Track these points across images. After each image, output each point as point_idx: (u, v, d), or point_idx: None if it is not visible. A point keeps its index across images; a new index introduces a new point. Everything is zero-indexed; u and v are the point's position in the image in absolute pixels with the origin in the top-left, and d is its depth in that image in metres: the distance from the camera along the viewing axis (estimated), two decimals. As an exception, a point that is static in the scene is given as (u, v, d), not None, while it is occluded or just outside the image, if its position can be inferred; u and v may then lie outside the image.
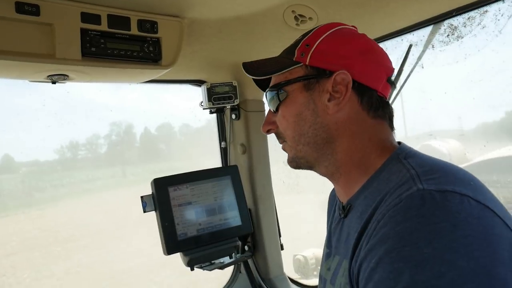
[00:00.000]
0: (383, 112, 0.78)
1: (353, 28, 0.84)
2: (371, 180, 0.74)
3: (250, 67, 0.86)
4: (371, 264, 0.59)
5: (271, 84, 0.85)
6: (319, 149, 0.78)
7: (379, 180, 0.72)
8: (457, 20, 1.17)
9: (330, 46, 0.78)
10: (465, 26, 1.17)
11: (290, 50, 0.82)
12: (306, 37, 0.80)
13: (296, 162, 0.83)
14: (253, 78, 0.88)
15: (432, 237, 0.54)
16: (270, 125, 0.85)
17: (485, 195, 0.61)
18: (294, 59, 0.79)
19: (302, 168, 0.85)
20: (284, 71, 0.80)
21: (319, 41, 0.78)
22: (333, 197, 1.02)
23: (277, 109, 0.83)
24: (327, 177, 0.84)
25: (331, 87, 0.75)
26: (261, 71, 0.83)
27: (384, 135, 0.78)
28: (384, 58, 0.81)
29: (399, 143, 0.79)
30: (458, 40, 1.22)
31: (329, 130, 0.77)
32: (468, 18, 1.15)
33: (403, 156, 0.72)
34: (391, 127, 0.81)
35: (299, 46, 0.80)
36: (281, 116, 0.82)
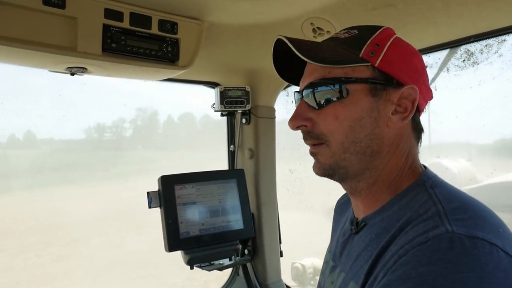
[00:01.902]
0: (421, 129, 0.77)
1: None
2: (391, 203, 0.72)
3: (295, 44, 0.71)
4: None
5: (315, 76, 0.73)
6: (365, 161, 0.72)
7: (401, 205, 0.69)
8: (474, 46, 1.17)
9: (401, 54, 0.72)
10: (481, 53, 1.18)
11: (353, 44, 0.73)
12: (375, 35, 0.72)
13: (332, 171, 0.74)
14: (274, 64, 0.79)
15: (456, 286, 0.52)
16: (305, 121, 0.74)
17: (511, 245, 0.58)
18: (360, 56, 0.71)
19: (334, 179, 0.77)
20: (348, 65, 0.70)
21: (389, 43, 0.72)
22: (340, 206, 1.00)
23: (323, 106, 0.72)
24: (353, 192, 0.78)
25: (396, 99, 0.71)
26: (318, 56, 0.70)
27: (417, 157, 0.76)
28: (426, 73, 0.78)
29: (424, 166, 0.77)
30: (473, 66, 1.22)
31: (382, 143, 0.71)
32: (486, 45, 1.15)
33: (430, 184, 0.69)
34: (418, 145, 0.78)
35: (367, 43, 0.71)
36: (331, 116, 0.71)
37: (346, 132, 0.71)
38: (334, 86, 0.70)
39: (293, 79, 0.83)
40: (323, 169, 0.75)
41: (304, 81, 0.76)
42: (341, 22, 1.20)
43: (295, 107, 0.77)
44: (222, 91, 1.67)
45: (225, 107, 1.67)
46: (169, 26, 1.22)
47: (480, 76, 1.29)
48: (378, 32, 0.73)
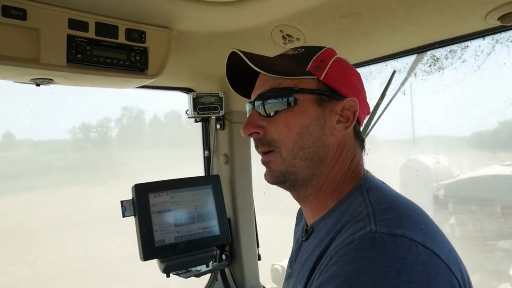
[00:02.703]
0: (362, 138, 0.84)
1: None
2: (334, 208, 0.77)
3: (249, 57, 0.75)
4: None
5: (267, 87, 0.78)
6: (313, 167, 0.77)
7: (341, 209, 0.74)
8: (439, 52, 1.20)
9: (342, 71, 0.80)
10: (446, 59, 1.21)
11: (300, 59, 0.80)
12: (319, 52, 0.80)
13: (283, 177, 0.78)
14: (229, 76, 0.84)
15: (377, 281, 0.56)
16: (257, 128, 0.78)
17: (434, 239, 0.63)
18: (307, 69, 0.77)
19: (284, 186, 0.81)
20: (296, 77, 0.77)
21: (332, 61, 0.79)
22: (299, 215, 1.04)
23: (274, 114, 0.77)
24: (302, 199, 0.82)
25: (339, 109, 0.77)
26: (270, 68, 0.75)
27: (361, 162, 0.82)
28: (363, 87, 0.86)
29: (366, 171, 0.82)
30: (439, 71, 1.25)
31: (328, 150, 0.77)
32: (450, 51, 1.18)
33: (366, 188, 0.75)
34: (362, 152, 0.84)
35: (313, 58, 0.79)
36: (281, 124, 0.76)
37: (295, 138, 0.76)
38: (284, 96, 0.76)
39: (243, 92, 0.89)
40: (275, 177, 0.79)
41: (256, 92, 0.81)
42: (310, 29, 1.21)
43: (247, 117, 0.82)
44: (195, 98, 1.66)
45: (198, 114, 1.66)
46: (137, 35, 1.20)
47: (446, 81, 1.32)
48: (322, 50, 0.81)
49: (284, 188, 0.81)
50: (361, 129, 0.87)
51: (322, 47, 0.83)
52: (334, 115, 0.77)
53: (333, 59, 0.80)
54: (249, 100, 0.84)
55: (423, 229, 0.64)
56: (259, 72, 0.80)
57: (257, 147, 0.81)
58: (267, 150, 0.78)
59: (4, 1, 0.97)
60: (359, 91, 0.82)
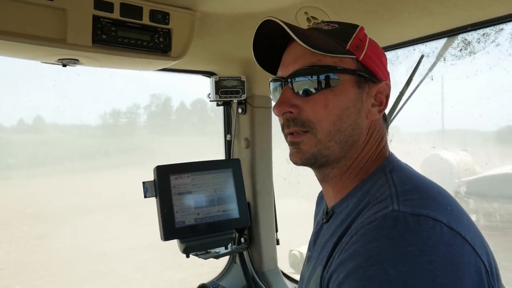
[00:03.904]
0: (387, 122, 0.83)
1: None
2: (356, 189, 0.75)
3: (291, 28, 0.70)
4: (339, 278, 0.61)
5: (303, 63, 0.72)
6: (345, 150, 0.74)
7: (363, 191, 0.72)
8: (471, 36, 1.15)
9: (376, 53, 0.77)
10: (479, 42, 1.15)
11: (338, 36, 0.75)
12: (357, 31, 0.76)
13: (314, 159, 0.74)
14: (256, 50, 0.79)
15: (398, 260, 0.55)
16: (291, 108, 0.73)
17: (460, 221, 0.62)
18: (347, 48, 0.73)
19: (314, 167, 0.78)
20: (338, 55, 0.72)
21: (367, 41, 0.76)
22: (320, 199, 1.03)
23: (311, 94, 0.72)
24: (324, 180, 0.80)
25: (374, 93, 0.75)
26: (312, 42, 0.69)
27: (386, 144, 0.80)
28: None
29: (390, 153, 0.81)
30: (470, 55, 1.20)
31: (361, 133, 0.75)
32: (483, 34, 1.13)
33: (389, 169, 0.73)
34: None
35: (352, 37, 0.74)
36: (320, 104, 0.72)
37: (334, 120, 0.72)
38: (325, 74, 0.71)
39: (265, 65, 0.84)
40: (305, 158, 0.75)
41: (288, 67, 0.75)
42: (335, 11, 1.18)
43: (279, 93, 0.76)
44: (217, 81, 1.66)
45: (220, 97, 1.66)
46: (161, 16, 1.20)
47: (477, 66, 1.27)
48: (358, 29, 0.78)
49: (310, 167, 0.79)
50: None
51: (356, 26, 0.78)
52: (370, 98, 0.75)
53: (367, 39, 0.77)
54: (278, 76, 0.78)
55: (448, 210, 0.62)
56: (288, 45, 0.77)
57: (287, 126, 0.75)
58: (301, 130, 0.73)
59: (32, -19, 0.99)
60: (389, 75, 0.81)
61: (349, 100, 0.72)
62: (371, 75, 0.75)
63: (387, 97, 0.76)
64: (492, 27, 1.11)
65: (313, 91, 0.72)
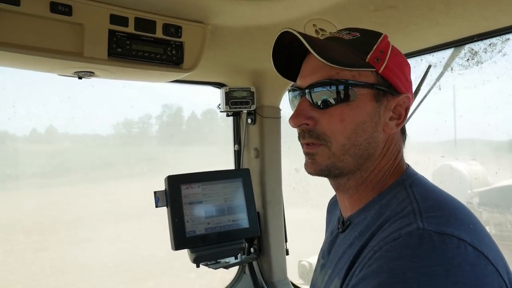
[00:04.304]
0: (405, 135, 0.82)
1: None
2: (374, 202, 0.74)
3: (307, 40, 0.70)
4: None
5: (322, 75, 0.72)
6: (360, 163, 0.74)
7: (382, 203, 0.72)
8: (478, 46, 1.17)
9: (398, 63, 0.75)
10: (485, 52, 1.17)
11: (358, 47, 0.74)
12: (379, 41, 0.74)
13: (328, 171, 0.75)
14: (273, 60, 0.80)
15: (424, 279, 0.55)
16: (307, 120, 0.74)
17: (482, 240, 0.61)
18: (366, 61, 0.72)
19: (328, 177, 0.79)
20: (357, 69, 0.71)
21: (389, 51, 0.75)
22: (332, 205, 1.03)
23: (328, 106, 0.72)
24: (340, 189, 0.80)
25: (393, 106, 0.74)
26: (329, 56, 0.69)
27: (403, 156, 0.80)
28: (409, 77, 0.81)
29: (408, 165, 0.80)
30: (477, 65, 1.21)
31: (377, 147, 0.74)
32: (490, 44, 1.14)
33: (409, 183, 0.72)
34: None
35: (374, 48, 0.73)
36: (336, 118, 0.72)
37: (349, 134, 0.72)
38: (342, 88, 0.71)
39: (285, 73, 0.84)
40: (319, 170, 0.75)
41: (306, 79, 0.75)
42: (343, 23, 1.21)
43: (296, 105, 0.77)
44: (227, 92, 1.69)
45: (230, 108, 1.69)
46: (173, 30, 1.24)
47: (484, 75, 1.28)
48: (381, 38, 0.76)
49: (330, 178, 0.80)
50: None
51: (379, 34, 0.77)
52: (388, 111, 0.74)
53: (390, 49, 0.75)
54: (296, 86, 0.78)
55: (471, 229, 0.62)
56: (307, 53, 0.76)
57: (303, 137, 0.76)
58: (316, 143, 0.74)
59: (52, -2, 1.03)
60: (411, 85, 0.79)
61: (366, 114, 0.72)
62: (391, 88, 0.73)
63: (407, 110, 0.75)
64: (498, 37, 1.13)
65: (330, 104, 0.72)
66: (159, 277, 5.75)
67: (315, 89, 0.73)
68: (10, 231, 7.23)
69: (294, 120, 0.75)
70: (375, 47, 0.73)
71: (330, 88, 0.71)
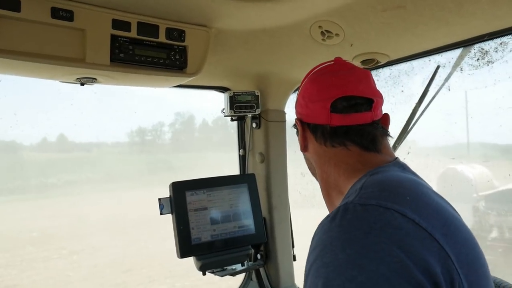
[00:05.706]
0: (343, 139, 0.83)
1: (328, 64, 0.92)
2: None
3: None
4: (306, 270, 0.66)
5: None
6: (314, 175, 0.95)
7: (346, 195, 0.77)
8: (488, 45, 1.14)
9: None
10: (496, 51, 1.14)
11: None
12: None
13: None
14: None
15: (346, 244, 0.60)
16: None
17: (417, 210, 0.64)
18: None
19: None
20: None
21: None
22: None
23: None
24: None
25: None
26: None
27: (351, 159, 0.82)
28: (323, 92, 0.85)
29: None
30: (488, 65, 1.19)
31: (311, 163, 0.93)
32: (501, 43, 1.12)
33: (370, 173, 0.76)
34: (367, 149, 0.82)
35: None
36: None
37: None
38: None
39: None
40: None
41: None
42: (350, 24, 1.18)
43: None
44: (232, 96, 1.66)
45: (234, 112, 1.66)
46: (177, 34, 1.22)
47: (495, 75, 1.25)
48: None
49: None
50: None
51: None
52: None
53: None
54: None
55: (407, 200, 0.65)
56: None
57: None
58: None
59: (53, 3, 1.01)
60: (304, 105, 0.91)
61: None
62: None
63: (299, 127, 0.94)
64: (510, 36, 1.10)
65: None
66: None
67: None
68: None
69: None
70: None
71: None
